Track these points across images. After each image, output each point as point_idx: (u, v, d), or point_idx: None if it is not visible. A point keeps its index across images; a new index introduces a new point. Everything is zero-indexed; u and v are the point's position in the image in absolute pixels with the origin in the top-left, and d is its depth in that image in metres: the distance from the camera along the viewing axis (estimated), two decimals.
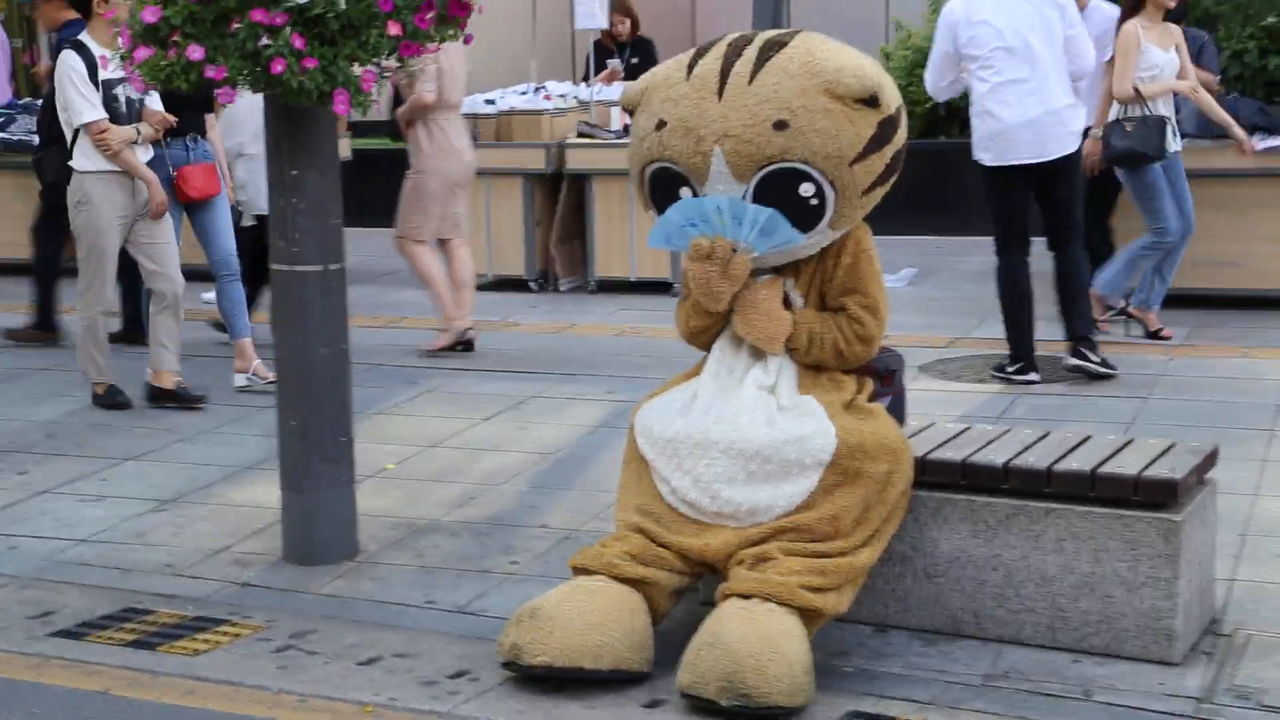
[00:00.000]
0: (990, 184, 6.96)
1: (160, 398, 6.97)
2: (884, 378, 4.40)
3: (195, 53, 4.41)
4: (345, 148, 10.64)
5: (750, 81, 4.04)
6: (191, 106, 7.04)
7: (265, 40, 4.38)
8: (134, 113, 6.83)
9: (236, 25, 4.40)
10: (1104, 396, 6.78)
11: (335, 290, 4.90)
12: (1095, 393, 6.85)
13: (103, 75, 6.70)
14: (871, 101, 4.02)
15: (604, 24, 10.23)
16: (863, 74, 4.01)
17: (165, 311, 6.94)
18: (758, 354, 4.21)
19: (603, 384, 7.28)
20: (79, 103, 6.70)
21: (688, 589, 4.16)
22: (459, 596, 4.66)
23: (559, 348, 8.16)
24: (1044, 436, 4.41)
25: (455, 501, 5.59)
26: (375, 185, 13.01)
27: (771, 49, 4.10)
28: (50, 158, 7.21)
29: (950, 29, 6.96)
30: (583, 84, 10.96)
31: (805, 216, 4.05)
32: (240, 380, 7.26)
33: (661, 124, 4.13)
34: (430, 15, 4.62)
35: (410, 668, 4.12)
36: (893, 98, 4.09)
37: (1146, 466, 4.08)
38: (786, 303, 4.20)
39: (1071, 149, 6.91)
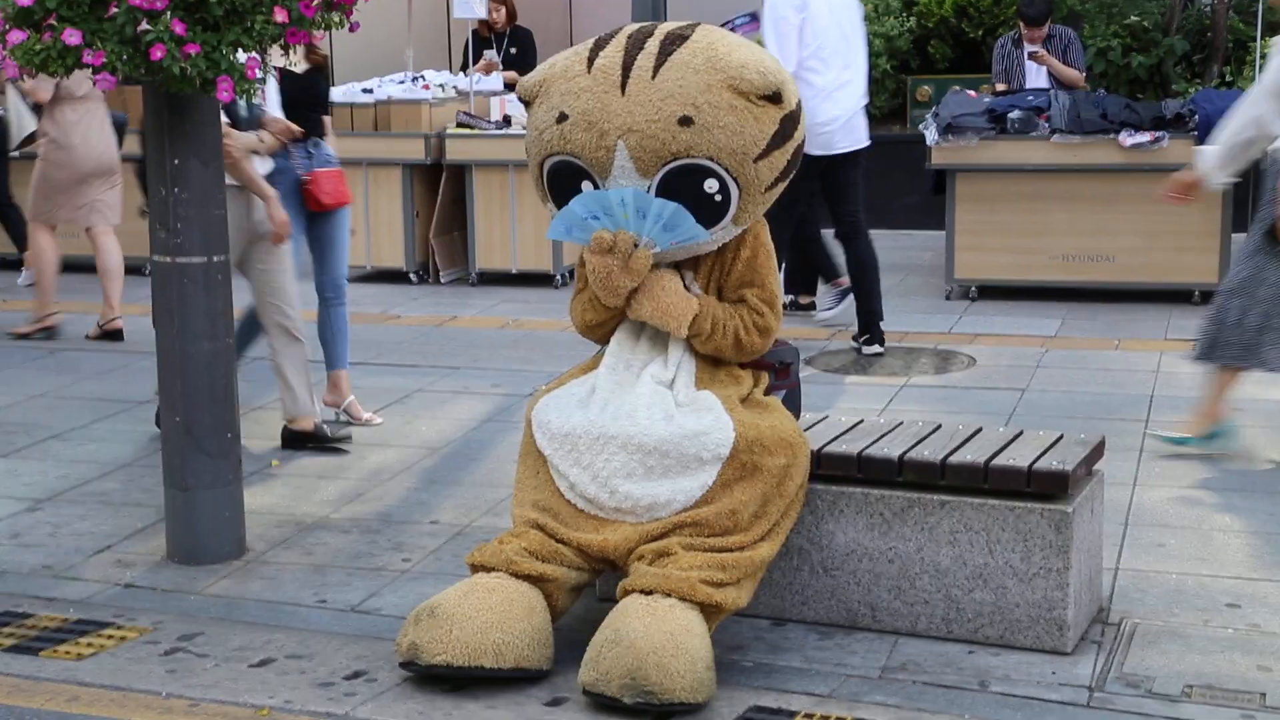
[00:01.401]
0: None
1: (298, 441, 6.09)
2: (779, 371, 4.42)
3: (72, 37, 4.26)
4: None
5: (653, 76, 4.01)
6: (308, 106, 6.30)
7: (145, 25, 4.25)
8: (254, 119, 5.93)
9: (114, 9, 4.27)
10: (984, 389, 6.88)
11: (219, 283, 4.78)
12: (975, 385, 6.95)
13: None
14: (774, 98, 4.02)
15: (482, 13, 10.12)
16: (765, 70, 4.02)
17: (289, 349, 6.06)
18: (656, 348, 4.20)
19: (487, 377, 7.22)
20: None
21: (586, 585, 4.14)
22: (351, 595, 4.58)
23: (441, 341, 8.07)
24: (936, 429, 4.46)
25: (343, 498, 5.49)
26: None
27: (673, 43, 4.08)
28: None
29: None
30: (461, 74, 10.86)
31: (709, 212, 4.04)
32: (330, 417, 6.41)
33: (563, 117, 4.08)
34: (316, 2, 4.52)
35: (304, 669, 4.04)
36: (793, 94, 4.10)
37: (1038, 458, 4.14)
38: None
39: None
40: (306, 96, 6.27)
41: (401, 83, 10.08)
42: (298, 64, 6.30)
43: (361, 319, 8.41)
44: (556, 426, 4.11)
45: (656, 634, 3.71)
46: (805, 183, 7.11)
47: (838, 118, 7.54)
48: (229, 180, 5.56)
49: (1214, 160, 5.59)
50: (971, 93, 9.44)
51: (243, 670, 4.03)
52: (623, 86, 4.02)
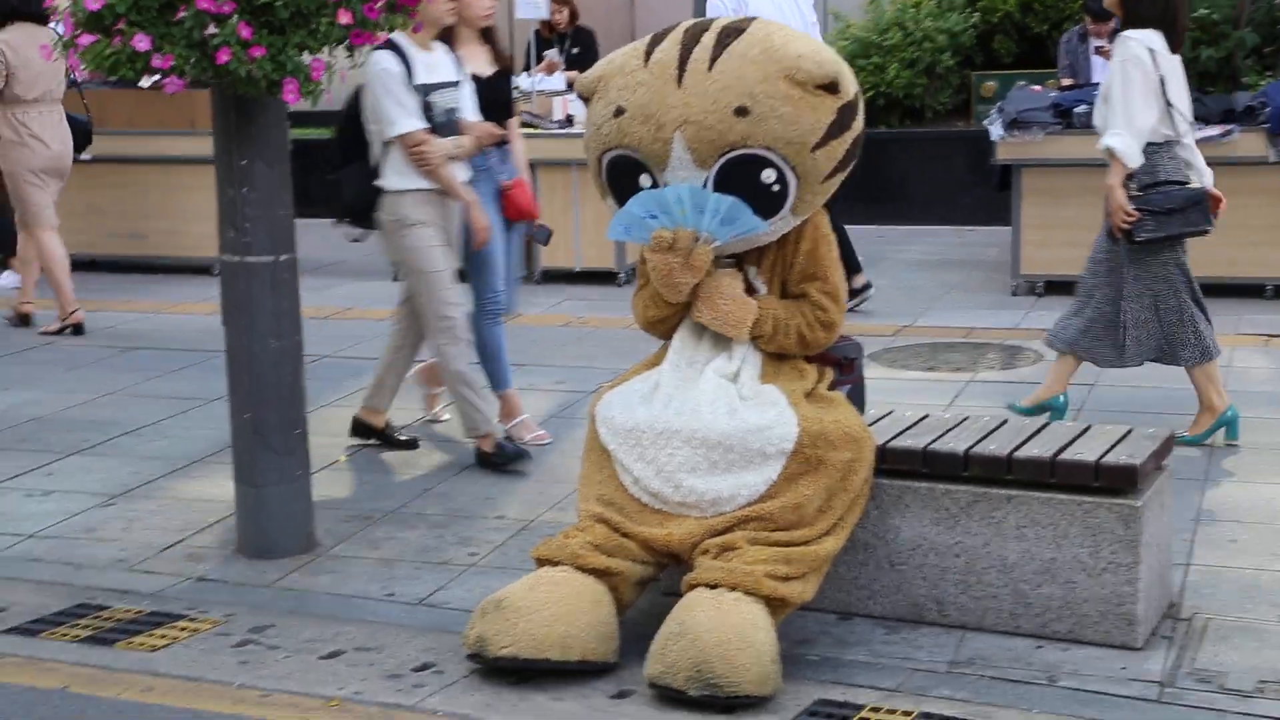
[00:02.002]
0: None
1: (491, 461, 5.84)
2: (844, 366, 4.42)
3: (141, 42, 4.32)
4: None
5: (710, 68, 4.02)
6: (497, 111, 6.02)
7: (212, 29, 4.31)
8: (452, 125, 5.74)
9: (183, 13, 4.33)
10: None
11: (286, 281, 4.83)
12: (1041, 380, 6.89)
13: (418, 80, 5.63)
14: (831, 87, 4.01)
15: (544, 14, 10.17)
16: (822, 60, 4.01)
17: (456, 342, 5.85)
18: (720, 344, 4.20)
19: (552, 374, 7.25)
20: (394, 111, 5.61)
21: (652, 579, 4.15)
22: (419, 589, 4.62)
23: (514, 340, 8.07)
24: (1003, 424, 4.43)
25: (410, 494, 5.54)
26: (318, 175, 12.88)
27: (729, 35, 4.08)
28: (351, 176, 5.82)
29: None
30: (523, 74, 10.91)
31: (767, 203, 4.04)
32: (500, 429, 6.06)
33: (620, 111, 4.09)
34: (380, 4, 4.57)
35: (373, 661, 4.08)
36: (851, 84, 4.09)
37: (1106, 452, 4.11)
38: (750, 290, 4.20)
39: None
40: (497, 100, 6.04)
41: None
42: (484, 68, 6.03)
43: None
44: (620, 422, 4.13)
45: (722, 627, 3.72)
46: None
47: None
48: (428, 185, 5.66)
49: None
50: (1036, 88, 9.37)
51: (313, 662, 4.08)
52: (679, 79, 4.03)
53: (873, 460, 4.15)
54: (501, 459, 5.79)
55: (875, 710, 3.75)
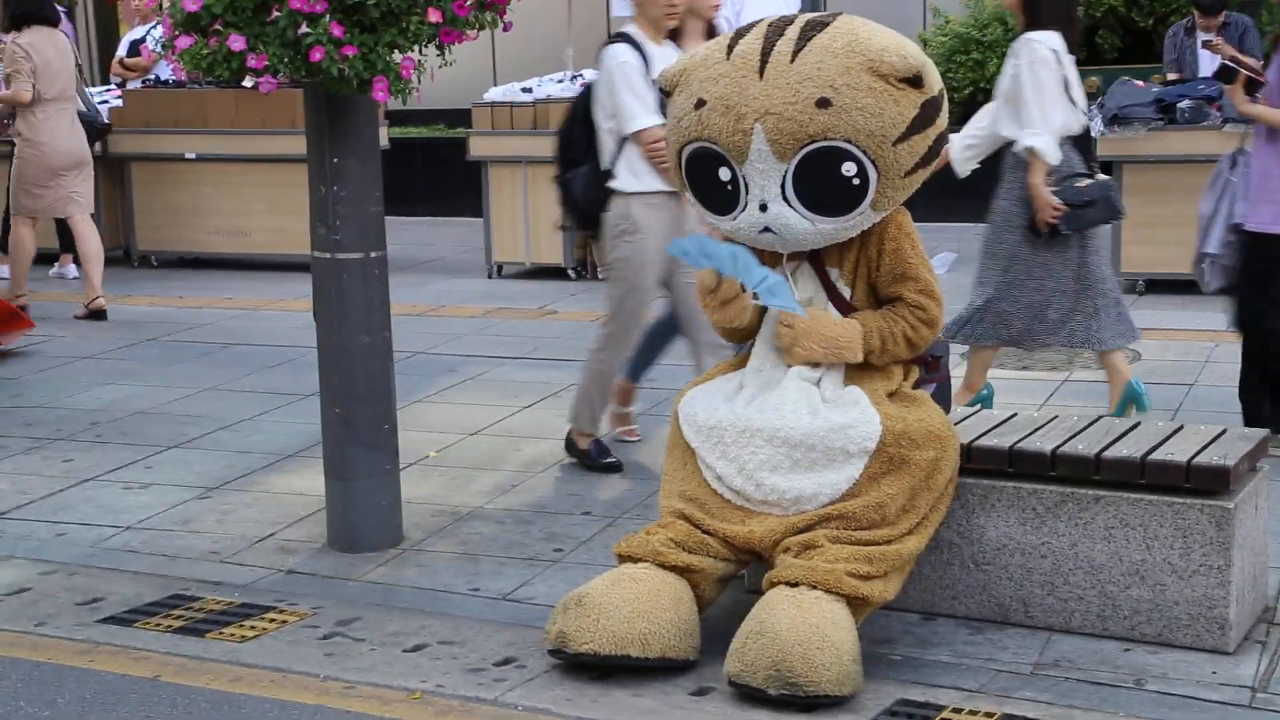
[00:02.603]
0: None
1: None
2: (930, 364, 4.37)
3: (237, 43, 4.40)
4: (383, 136, 10.70)
5: (792, 60, 4.00)
6: None
7: (305, 28, 4.37)
8: None
9: (276, 14, 4.40)
10: (1149, 383, 6.69)
11: (376, 278, 4.89)
12: (1141, 379, 6.78)
13: (654, 75, 5.29)
14: (915, 81, 3.98)
15: None
16: (906, 54, 3.98)
17: (619, 356, 5.81)
18: None
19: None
20: (633, 105, 5.41)
21: (733, 576, 4.15)
22: (503, 584, 4.66)
23: None
24: (1093, 423, 4.37)
25: (497, 489, 5.58)
26: (413, 173, 13.06)
27: (813, 29, 4.07)
28: (581, 178, 5.61)
29: None
30: None
31: (847, 196, 4.01)
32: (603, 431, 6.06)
33: (700, 103, 4.09)
34: (470, 2, 4.60)
35: (456, 655, 4.12)
36: (935, 80, 4.05)
37: (1197, 453, 4.04)
38: (833, 292, 4.17)
39: None
40: None
41: (560, 81, 10.19)
42: None
43: (519, 314, 8.57)
44: (703, 419, 4.13)
45: (802, 626, 3.71)
46: None
47: None
48: (662, 187, 5.45)
49: (955, 152, 6.02)
50: (1139, 83, 9.21)
51: (397, 655, 4.12)
52: (761, 71, 4.01)
53: (957, 459, 4.11)
54: (590, 462, 5.81)
55: (957, 711, 3.71)
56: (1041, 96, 5.76)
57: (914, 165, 4.04)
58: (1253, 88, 5.79)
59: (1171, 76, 9.68)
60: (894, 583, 3.95)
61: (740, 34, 4.17)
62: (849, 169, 3.97)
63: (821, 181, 3.98)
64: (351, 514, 4.94)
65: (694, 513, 4.07)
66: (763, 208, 4.05)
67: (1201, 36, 9.54)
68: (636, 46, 5.51)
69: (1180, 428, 4.30)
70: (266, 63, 4.45)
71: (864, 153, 3.96)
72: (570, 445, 5.88)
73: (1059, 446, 4.15)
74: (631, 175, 5.52)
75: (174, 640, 4.25)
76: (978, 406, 5.57)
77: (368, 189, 4.86)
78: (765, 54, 4.03)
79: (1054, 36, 5.84)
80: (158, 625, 4.35)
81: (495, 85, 11.20)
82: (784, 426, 4.01)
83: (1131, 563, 4.04)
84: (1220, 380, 6.70)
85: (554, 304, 9.09)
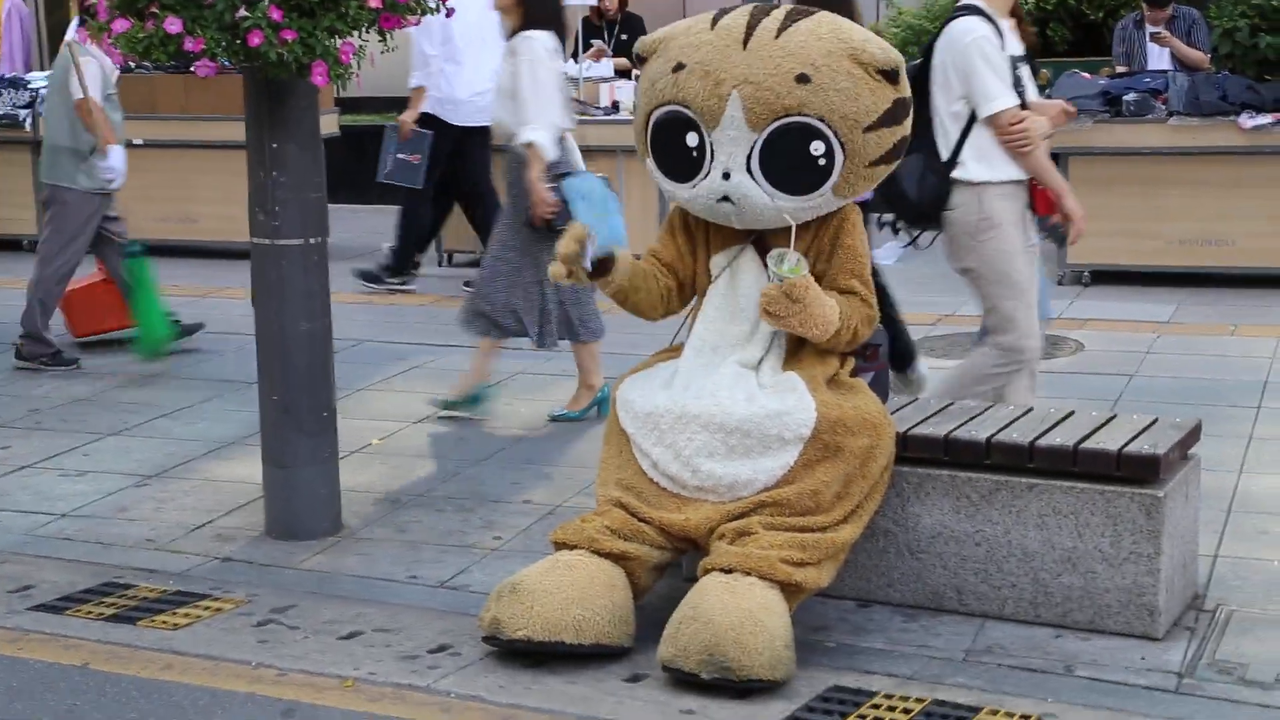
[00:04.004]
0: None
1: None
2: (867, 353, 4.39)
3: (173, 25, 4.37)
4: (332, 123, 10.64)
5: (777, 36, 4.06)
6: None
7: (243, 12, 4.34)
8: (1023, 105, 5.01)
9: None
10: (1090, 374, 6.77)
11: (317, 265, 4.87)
12: (1082, 370, 6.84)
13: (1008, 50, 4.94)
14: (892, 76, 4.05)
15: (594, 0, 10.16)
16: (886, 47, 4.08)
17: (1019, 373, 5.08)
18: (745, 333, 4.19)
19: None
20: (993, 85, 4.85)
21: (669, 564, 4.15)
22: (442, 571, 4.64)
23: None
24: (1027, 412, 4.40)
25: (439, 477, 5.57)
26: (366, 161, 12.95)
27: (799, 14, 4.15)
28: (913, 169, 4.94)
29: None
30: (571, 60, 10.91)
31: (812, 176, 4.04)
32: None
33: (679, 66, 4.11)
34: None
35: (390, 642, 4.11)
36: (906, 82, 4.12)
37: (1129, 442, 4.07)
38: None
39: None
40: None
41: None
42: (1016, 46, 5.14)
43: None
44: (640, 406, 4.13)
45: (735, 611, 3.72)
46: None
47: (485, 91, 7.98)
48: (1017, 175, 4.94)
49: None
50: (1086, 75, 9.26)
51: (331, 642, 4.11)
52: (744, 42, 4.06)
53: (893, 448, 4.13)
54: None
55: (888, 697, 3.73)
56: (541, 93, 5.93)
57: (878, 158, 4.08)
58: None
59: (1120, 69, 9.73)
60: (828, 570, 3.97)
61: (724, 12, 4.23)
62: (817, 148, 4.01)
63: (789, 158, 4.01)
64: (290, 502, 4.92)
65: (630, 500, 4.08)
66: (725, 175, 4.07)
67: (1150, 30, 9.60)
68: (989, 20, 4.93)
69: (1113, 417, 4.33)
70: (204, 46, 4.43)
71: (835, 134, 4.00)
72: None
73: (994, 435, 4.17)
74: (982, 163, 4.92)
75: (105, 628, 4.22)
76: (475, 405, 6.18)
77: (308, 175, 4.83)
78: (750, 28, 4.08)
79: (549, 36, 6.06)
80: (89, 613, 4.32)
81: None
82: (720, 413, 4.01)
83: (1063, 550, 4.07)
84: (1160, 371, 6.76)
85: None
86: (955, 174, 4.94)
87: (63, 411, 6.54)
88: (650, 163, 4.26)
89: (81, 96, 7.03)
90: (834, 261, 4.19)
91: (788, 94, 3.97)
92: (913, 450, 4.22)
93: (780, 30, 4.06)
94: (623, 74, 10.62)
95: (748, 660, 3.68)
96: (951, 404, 4.51)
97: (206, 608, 4.35)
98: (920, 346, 7.28)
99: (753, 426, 3.99)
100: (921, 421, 4.32)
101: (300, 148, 4.80)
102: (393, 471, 5.63)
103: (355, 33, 4.58)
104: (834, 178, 4.04)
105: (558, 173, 5.93)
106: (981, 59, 4.86)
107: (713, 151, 4.08)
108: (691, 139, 4.10)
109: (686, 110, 4.09)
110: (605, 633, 3.90)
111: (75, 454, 5.91)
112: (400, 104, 13.81)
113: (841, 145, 4.00)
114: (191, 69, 4.57)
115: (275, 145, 4.77)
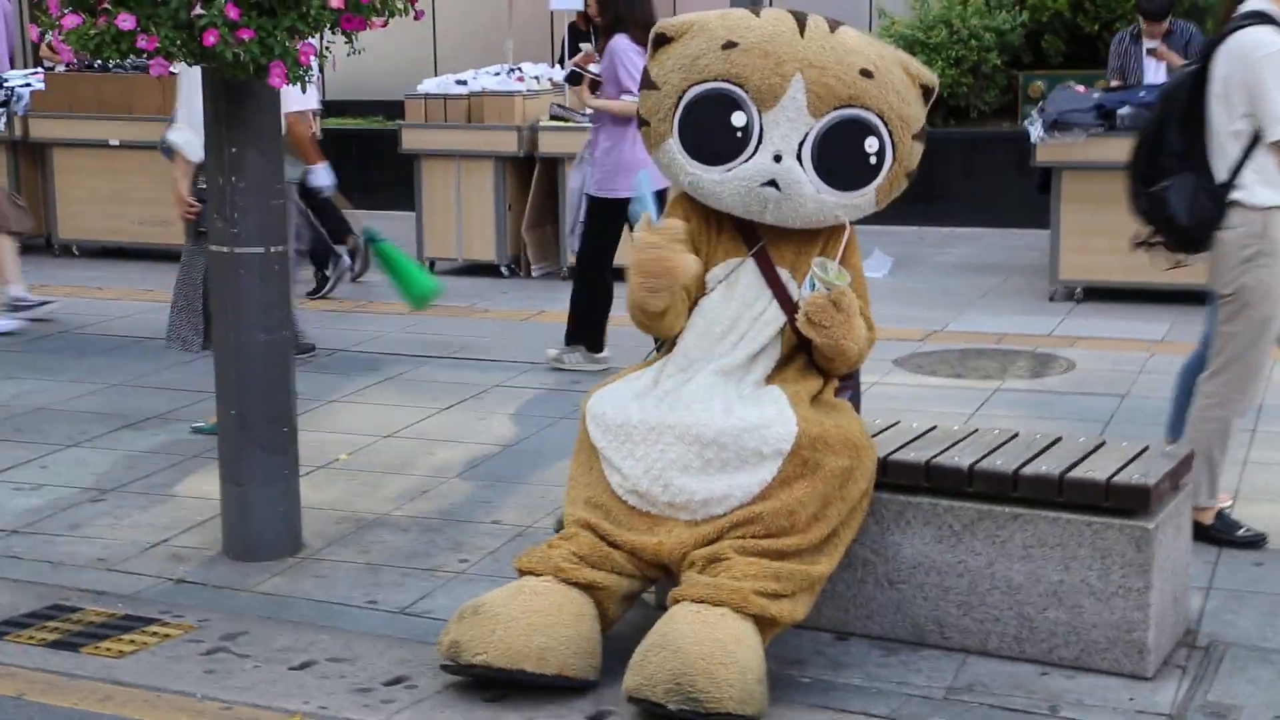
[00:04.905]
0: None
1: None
2: (844, 375, 4.21)
3: (126, 22, 4.18)
4: (314, 126, 10.44)
5: (831, 32, 3.99)
6: None
7: (199, 10, 4.16)
8: None
9: None
10: (1081, 394, 6.59)
11: (277, 274, 4.68)
12: (1073, 390, 6.66)
13: None
14: (928, 93, 4.05)
15: (578, 4, 9.98)
16: (922, 68, 4.07)
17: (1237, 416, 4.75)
18: (732, 344, 4.01)
19: (568, 375, 7.07)
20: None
21: (639, 593, 3.97)
22: (402, 596, 4.46)
23: (526, 336, 7.92)
24: (1013, 437, 4.21)
25: (406, 495, 5.38)
26: (348, 165, 12.77)
27: (837, 24, 4.07)
28: (1184, 190, 4.62)
29: None
30: (558, 66, 10.74)
31: (862, 174, 3.96)
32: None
33: (730, 44, 3.96)
34: None
35: (345, 673, 3.92)
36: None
37: (1118, 471, 3.89)
38: (785, 301, 4.06)
39: None
40: None
41: (497, 74, 9.97)
42: None
43: (449, 313, 8.35)
44: (611, 418, 3.95)
45: (706, 640, 3.54)
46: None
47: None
48: None
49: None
50: (1080, 88, 9.09)
51: (282, 673, 3.92)
52: (801, 32, 3.97)
53: (873, 472, 3.95)
54: (1225, 536, 4.74)
55: None
56: (191, 95, 5.77)
57: (911, 171, 4.04)
58: (595, 87, 7.10)
59: (1115, 83, 9.56)
60: (803, 603, 3.78)
61: (756, 11, 4.11)
62: (871, 145, 3.93)
63: (842, 151, 3.92)
64: (247, 521, 4.73)
65: (600, 522, 3.89)
66: (777, 158, 3.92)
67: (1147, 44, 9.44)
68: None
69: (1102, 443, 4.15)
70: (158, 45, 4.24)
71: (889, 133, 3.93)
72: (1196, 528, 4.41)
73: (976, 462, 3.99)
74: (1269, 187, 4.55)
75: (45, 655, 4.02)
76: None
77: (269, 181, 4.65)
78: (801, 21, 4.00)
79: None
80: (30, 638, 4.13)
81: (435, 76, 10.99)
82: (696, 424, 3.84)
83: (1049, 583, 3.89)
84: (1154, 392, 6.57)
85: (484, 302, 8.88)
86: (1235, 196, 4.57)
87: (20, 421, 6.34)
88: (672, 143, 4.04)
89: None
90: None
91: (853, 83, 3.90)
92: (893, 476, 4.04)
93: (833, 29, 4.00)
94: None
95: (717, 692, 3.50)
96: (934, 428, 4.33)
97: (154, 634, 4.16)
98: (908, 363, 7.13)
99: (730, 439, 3.81)
100: (903, 446, 4.14)
101: (261, 152, 4.62)
102: (359, 488, 5.44)
103: (316, 34, 4.40)
104: (880, 178, 3.96)
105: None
106: (1274, 77, 4.47)
107: (763, 133, 3.92)
108: (738, 118, 3.93)
109: (738, 89, 3.92)
110: (569, 664, 3.71)
111: (31, 466, 5.71)
112: (385, 108, 13.67)
113: (894, 147, 3.93)
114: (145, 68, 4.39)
115: (235, 150, 4.58)
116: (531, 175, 9.62)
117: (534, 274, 9.68)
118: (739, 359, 4.00)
